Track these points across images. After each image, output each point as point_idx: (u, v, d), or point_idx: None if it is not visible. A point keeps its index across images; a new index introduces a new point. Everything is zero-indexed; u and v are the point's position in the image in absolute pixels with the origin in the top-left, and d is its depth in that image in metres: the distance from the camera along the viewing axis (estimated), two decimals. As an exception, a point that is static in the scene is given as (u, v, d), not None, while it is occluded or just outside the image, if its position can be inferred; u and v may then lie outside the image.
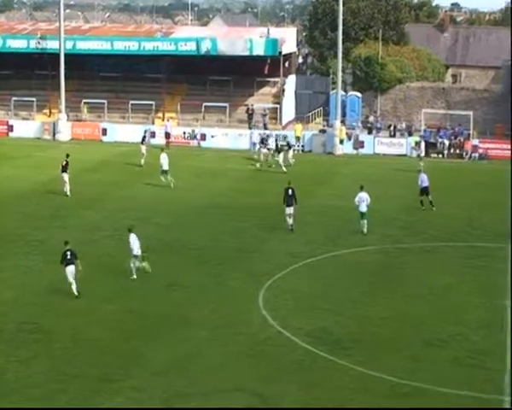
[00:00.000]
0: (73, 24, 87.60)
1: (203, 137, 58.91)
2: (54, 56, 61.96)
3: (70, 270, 27.23)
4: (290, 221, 35.79)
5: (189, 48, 62.39)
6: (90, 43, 64.10)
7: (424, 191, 39.81)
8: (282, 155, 49.97)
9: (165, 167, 44.22)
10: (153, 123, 62.19)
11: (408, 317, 25.91)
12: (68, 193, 42.04)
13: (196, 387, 20.97)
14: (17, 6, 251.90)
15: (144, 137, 53.67)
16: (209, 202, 41.19)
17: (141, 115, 62.98)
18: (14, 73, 66.52)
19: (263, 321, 25.35)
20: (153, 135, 59.15)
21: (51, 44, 63.43)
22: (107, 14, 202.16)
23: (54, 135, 61.12)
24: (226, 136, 58.83)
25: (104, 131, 61.06)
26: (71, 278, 27.18)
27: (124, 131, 60.39)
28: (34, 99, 64.49)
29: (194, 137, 58.92)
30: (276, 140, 54.25)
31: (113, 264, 31.02)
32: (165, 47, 63.02)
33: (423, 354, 23.09)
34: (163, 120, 61.72)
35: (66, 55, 61.28)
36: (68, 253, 27.35)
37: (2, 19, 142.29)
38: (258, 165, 50.99)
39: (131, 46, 63.23)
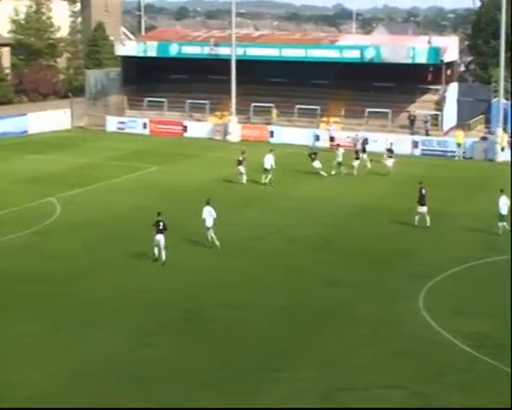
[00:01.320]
0: (244, 31, 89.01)
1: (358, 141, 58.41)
2: (226, 62, 63.27)
3: (159, 238, 30.21)
4: (417, 218, 35.96)
5: (353, 55, 62.26)
6: (260, 50, 65.11)
7: None
8: (358, 162, 48.66)
9: (267, 166, 44.87)
10: (318, 127, 62.37)
11: None
12: (244, 181, 44.79)
13: (356, 382, 20.86)
14: (192, 14, 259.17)
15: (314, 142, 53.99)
16: (368, 204, 40.88)
17: (306, 119, 63.28)
18: (189, 78, 68.33)
19: (422, 322, 24.88)
20: (317, 138, 59.48)
21: (223, 51, 64.86)
22: (276, 23, 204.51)
23: (225, 136, 62.48)
24: (387, 141, 58.05)
25: (271, 134, 61.84)
26: (160, 245, 30.21)
27: (290, 133, 60.93)
28: (207, 102, 66.11)
29: (357, 141, 58.48)
30: (364, 143, 52.42)
31: (278, 260, 31.38)
32: (330, 54, 63.11)
33: None
34: (327, 124, 61.83)
35: (237, 60, 62.52)
36: (161, 223, 30.31)
37: (178, 26, 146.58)
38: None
39: (298, 53, 63.77)
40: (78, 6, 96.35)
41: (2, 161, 52.35)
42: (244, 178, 45.15)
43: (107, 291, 27.75)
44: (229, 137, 62.14)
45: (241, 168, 45.15)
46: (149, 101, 68.39)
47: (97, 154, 55.16)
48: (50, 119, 66.46)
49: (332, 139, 58.19)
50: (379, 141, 56.45)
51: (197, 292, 27.63)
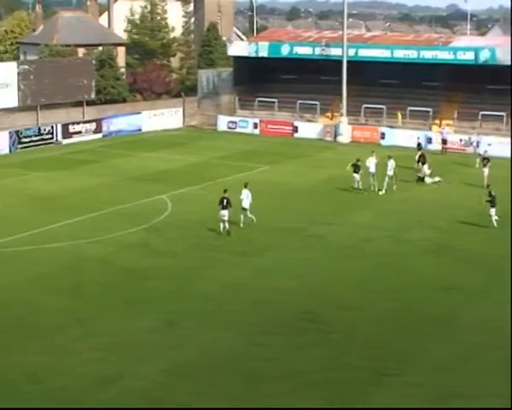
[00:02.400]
0: (356, 32, 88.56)
1: (479, 144, 57.23)
2: (337, 63, 63.13)
3: (223, 213, 33.92)
4: None
5: (467, 57, 61.00)
6: (371, 51, 64.63)
7: None
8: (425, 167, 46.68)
9: (372, 170, 43.70)
10: (430, 129, 61.44)
11: None
12: (360, 187, 43.58)
13: (469, 389, 20.49)
14: (303, 15, 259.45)
15: (419, 143, 53.05)
16: (480, 209, 39.99)
17: (418, 121, 62.44)
18: (300, 78, 68.38)
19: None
20: (429, 141, 58.62)
21: (334, 51, 64.70)
22: (388, 24, 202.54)
23: (335, 137, 62.35)
24: (501, 144, 56.80)
25: (382, 135, 61.32)
26: (224, 220, 33.83)
27: (401, 135, 60.26)
28: (317, 103, 66.11)
29: (470, 144, 57.44)
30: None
31: (390, 263, 31.16)
32: (443, 56, 62.03)
33: None
34: (440, 126, 60.84)
35: (348, 61, 62.28)
36: (225, 200, 33.79)
37: (289, 27, 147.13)
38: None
39: (410, 54, 62.92)
40: (191, 6, 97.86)
41: (117, 158, 53.86)
42: (360, 185, 43.64)
43: (218, 288, 28.17)
44: (339, 139, 61.97)
45: (357, 176, 43.57)
46: (260, 101, 68.93)
47: (208, 152, 56.00)
48: (163, 117, 67.92)
49: (444, 142, 57.27)
50: (493, 144, 55.20)
51: (308, 292, 27.70)
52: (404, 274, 29.64)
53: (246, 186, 35.88)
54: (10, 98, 60.23)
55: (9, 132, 57.48)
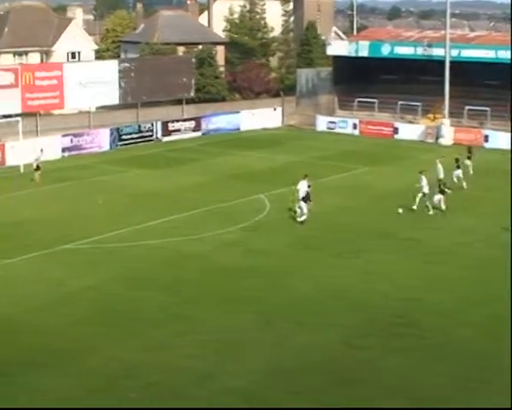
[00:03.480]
0: (459, 32, 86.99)
1: None
2: (439, 63, 62.17)
3: (304, 205, 35.80)
4: None
5: None
6: (475, 52, 63.35)
7: None
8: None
9: (441, 176, 42.07)
10: (536, 132, 59.82)
11: None
12: (465, 186, 43.46)
13: None
14: (404, 14, 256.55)
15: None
16: None
17: (524, 124, 60.88)
18: (401, 78, 67.65)
19: None
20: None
21: (437, 51, 63.73)
22: (492, 23, 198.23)
23: (436, 139, 61.40)
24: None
25: (486, 138, 60.02)
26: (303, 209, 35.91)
27: (505, 138, 58.82)
28: (419, 104, 65.24)
29: None
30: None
31: (485, 268, 30.55)
32: (555, 56, 60.36)
33: None
34: (547, 129, 59.16)
35: (451, 62, 61.25)
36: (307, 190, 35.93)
37: (390, 26, 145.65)
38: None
39: (516, 55, 61.44)
40: (290, 5, 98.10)
41: (216, 157, 54.45)
42: (464, 184, 43.73)
43: (314, 289, 28.18)
44: (441, 141, 60.98)
45: (458, 173, 43.83)
46: (360, 101, 68.50)
47: (306, 153, 55.99)
48: (262, 116, 68.27)
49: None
50: None
51: (403, 296, 27.39)
52: (501, 280, 28.85)
53: (305, 178, 37.33)
54: (111, 96, 61.58)
55: (110, 129, 58.87)
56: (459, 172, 44.21)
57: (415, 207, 38.95)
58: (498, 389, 20.58)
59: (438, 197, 38.99)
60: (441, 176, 42.02)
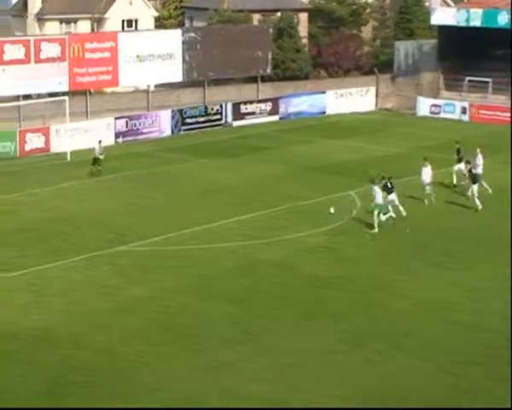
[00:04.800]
0: None
1: None
2: None
3: (392, 198, 37.08)
4: None
5: None
6: None
7: None
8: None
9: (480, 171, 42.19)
10: None
11: None
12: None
13: None
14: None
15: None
16: None
17: None
18: (522, 54, 66.68)
19: None
20: None
21: None
22: None
23: None
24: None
25: None
26: (395, 203, 37.12)
27: None
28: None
29: None
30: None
31: None
32: None
33: None
34: None
35: None
36: (389, 184, 36.95)
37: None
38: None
39: None
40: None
41: (296, 146, 54.59)
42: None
43: (410, 305, 28.21)
44: None
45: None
46: (470, 81, 67.79)
47: (405, 142, 55.67)
48: (352, 98, 68.19)
49: None
50: None
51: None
52: None
53: (425, 160, 40.59)
54: (174, 72, 62.02)
55: (172, 111, 59.60)
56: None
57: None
58: None
59: None
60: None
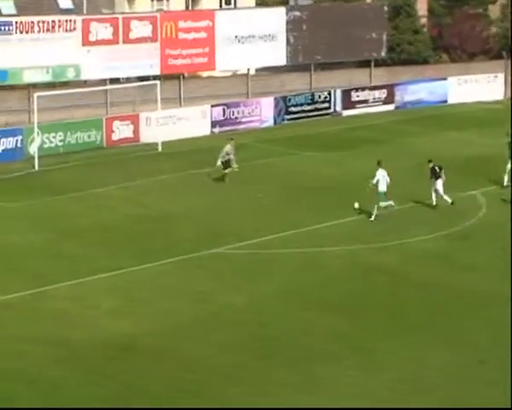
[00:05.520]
0: None
1: None
2: None
3: (440, 183, 39.27)
4: None
5: None
6: None
7: None
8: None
9: None
10: None
11: None
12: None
13: None
14: None
15: None
16: None
17: None
18: None
19: None
20: None
21: None
22: None
23: None
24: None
25: None
26: (441, 190, 39.12)
27: None
28: None
29: None
30: None
31: None
32: None
33: None
34: None
35: None
36: (436, 168, 39.34)
37: None
38: None
39: None
40: None
41: (414, 138, 54.35)
42: None
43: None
44: None
45: None
46: None
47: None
48: (477, 86, 67.46)
49: None
50: None
51: None
52: None
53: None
54: (277, 55, 62.15)
55: (275, 99, 59.89)
56: None
57: None
58: None
59: None
60: None
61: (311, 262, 33.11)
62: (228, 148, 44.72)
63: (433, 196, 39.75)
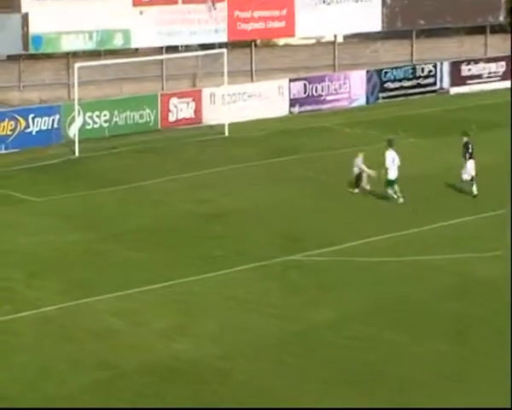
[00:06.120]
0: None
1: None
2: None
3: (471, 164, 40.43)
4: None
5: None
6: None
7: None
8: None
9: None
10: None
11: None
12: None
13: None
14: None
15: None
16: None
17: None
18: None
19: None
20: None
21: None
22: None
23: None
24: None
25: None
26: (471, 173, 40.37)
27: None
28: None
29: None
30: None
31: None
32: None
33: None
34: None
35: None
36: (470, 145, 40.71)
37: None
38: None
39: None
40: None
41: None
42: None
43: None
44: None
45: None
46: None
47: None
48: None
49: None
50: None
51: None
52: None
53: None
54: (370, 19, 62.46)
55: (367, 72, 60.20)
56: None
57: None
58: None
59: None
60: None
61: (407, 273, 33.20)
62: (358, 160, 43.21)
63: (465, 176, 40.97)
